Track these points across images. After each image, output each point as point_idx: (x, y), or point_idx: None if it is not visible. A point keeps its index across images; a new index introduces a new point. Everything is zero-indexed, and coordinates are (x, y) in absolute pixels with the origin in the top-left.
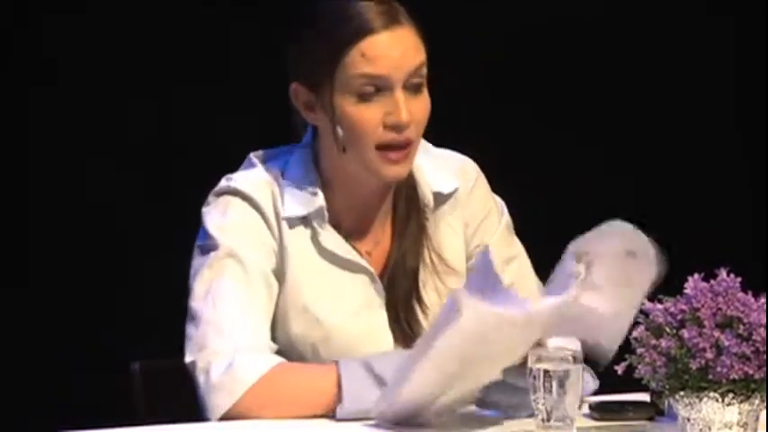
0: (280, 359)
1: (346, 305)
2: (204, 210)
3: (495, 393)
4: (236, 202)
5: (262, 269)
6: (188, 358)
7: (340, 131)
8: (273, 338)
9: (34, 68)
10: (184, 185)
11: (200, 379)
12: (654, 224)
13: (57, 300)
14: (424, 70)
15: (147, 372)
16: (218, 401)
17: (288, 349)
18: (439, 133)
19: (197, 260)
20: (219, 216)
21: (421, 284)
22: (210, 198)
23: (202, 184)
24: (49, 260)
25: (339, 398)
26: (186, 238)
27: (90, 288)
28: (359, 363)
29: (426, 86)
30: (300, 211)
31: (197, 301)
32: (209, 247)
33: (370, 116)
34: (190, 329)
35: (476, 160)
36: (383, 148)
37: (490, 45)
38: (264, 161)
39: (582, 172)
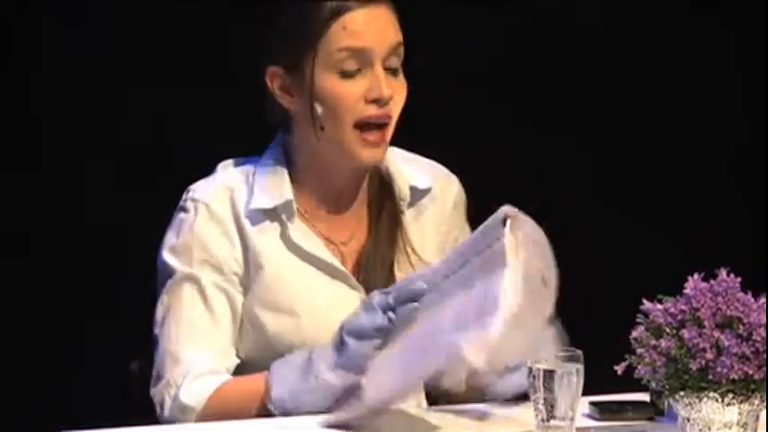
0: (223, 378)
1: (320, 302)
2: (169, 227)
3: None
4: (191, 215)
5: (219, 286)
6: (151, 388)
7: (319, 109)
8: (246, 346)
9: (35, 67)
10: (186, 185)
11: (158, 411)
12: (654, 224)
13: (56, 299)
14: (402, 51)
15: (147, 371)
16: None
17: (266, 352)
18: (434, 132)
19: (159, 282)
20: (174, 237)
21: (397, 277)
22: (175, 213)
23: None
24: (48, 259)
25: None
26: None
27: (89, 287)
28: (285, 358)
29: (403, 72)
30: (267, 203)
31: (157, 328)
32: (167, 271)
33: (351, 91)
34: (155, 356)
35: (470, 160)
36: (362, 127)
37: (489, 44)
38: (232, 166)
39: (579, 172)
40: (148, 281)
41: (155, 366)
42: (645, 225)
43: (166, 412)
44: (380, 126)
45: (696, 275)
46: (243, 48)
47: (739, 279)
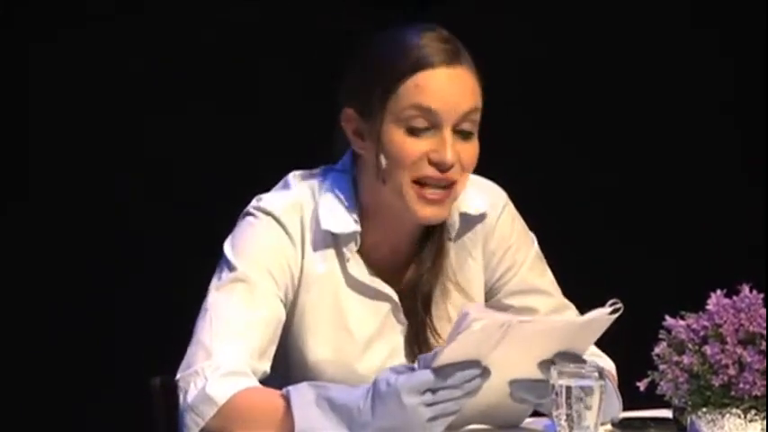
0: (250, 384)
1: (364, 333)
2: (236, 228)
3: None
4: (260, 224)
5: (271, 295)
6: (177, 375)
7: (383, 161)
8: (290, 364)
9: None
10: (214, 202)
11: (180, 398)
12: (678, 240)
13: (77, 314)
14: (477, 116)
15: (168, 387)
16: (189, 422)
17: (313, 372)
18: None
19: (214, 276)
20: (239, 238)
21: (434, 306)
22: (240, 218)
23: (235, 202)
24: (69, 273)
25: (291, 421)
26: (207, 254)
27: (111, 302)
28: (308, 386)
29: (477, 134)
30: (336, 227)
31: (199, 319)
32: (225, 266)
33: (414, 148)
34: (189, 345)
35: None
36: (420, 183)
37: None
38: (300, 182)
39: (600, 186)
40: (172, 296)
41: (186, 355)
42: (669, 241)
43: (189, 399)
44: (443, 185)
45: (719, 291)
46: (251, 57)
47: (762, 295)
